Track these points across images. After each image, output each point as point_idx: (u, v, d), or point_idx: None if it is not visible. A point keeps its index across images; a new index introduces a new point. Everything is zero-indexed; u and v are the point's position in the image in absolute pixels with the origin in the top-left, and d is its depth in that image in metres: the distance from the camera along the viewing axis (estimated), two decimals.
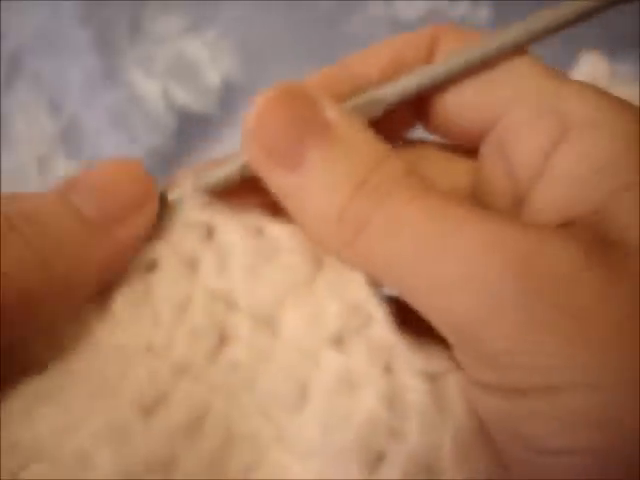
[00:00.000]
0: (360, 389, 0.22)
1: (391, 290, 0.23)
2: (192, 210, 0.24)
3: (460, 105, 0.26)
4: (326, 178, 0.23)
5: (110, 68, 0.53)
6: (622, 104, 0.24)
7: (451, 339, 0.22)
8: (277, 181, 0.23)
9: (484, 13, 0.52)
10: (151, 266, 0.24)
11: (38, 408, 0.22)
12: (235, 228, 0.24)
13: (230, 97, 0.52)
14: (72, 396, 0.22)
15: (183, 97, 0.52)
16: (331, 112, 0.23)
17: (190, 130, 0.52)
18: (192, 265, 0.24)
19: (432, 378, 0.22)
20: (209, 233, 0.24)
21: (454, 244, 0.21)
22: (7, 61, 0.55)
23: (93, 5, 0.54)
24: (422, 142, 0.28)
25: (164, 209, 0.25)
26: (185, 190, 0.25)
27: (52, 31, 0.55)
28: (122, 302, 0.23)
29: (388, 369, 0.22)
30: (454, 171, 0.27)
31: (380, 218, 0.22)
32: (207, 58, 0.52)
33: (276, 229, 0.24)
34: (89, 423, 0.21)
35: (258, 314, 0.23)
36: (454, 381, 0.22)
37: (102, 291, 0.24)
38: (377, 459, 0.21)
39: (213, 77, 0.52)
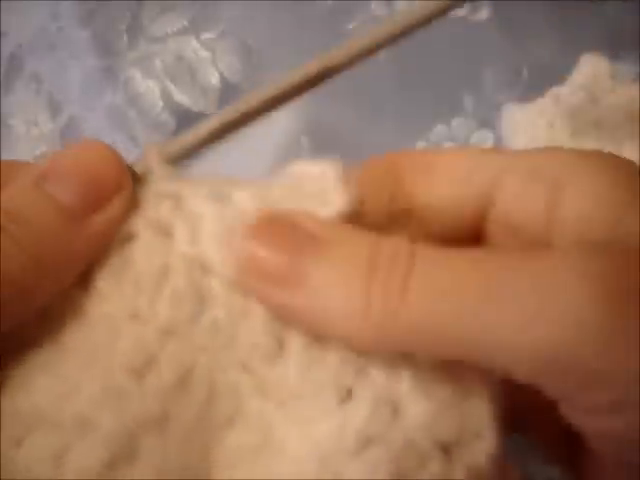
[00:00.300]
0: (329, 341, 0.24)
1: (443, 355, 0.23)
2: (161, 181, 0.25)
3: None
4: (336, 282, 0.22)
5: (110, 68, 0.53)
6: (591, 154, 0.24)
7: (541, 381, 0.21)
8: (285, 303, 0.23)
9: (484, 13, 0.52)
10: (128, 238, 0.25)
11: (35, 379, 0.23)
12: (202, 197, 0.25)
13: (230, 97, 0.52)
14: (66, 366, 0.23)
15: (182, 97, 0.52)
16: (310, 223, 0.23)
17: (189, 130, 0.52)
18: (167, 234, 0.25)
19: None
20: (179, 202, 0.25)
21: (516, 285, 0.21)
22: (7, 61, 0.55)
23: (93, 5, 0.54)
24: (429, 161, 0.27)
25: (134, 182, 0.25)
26: (151, 162, 0.25)
27: (52, 31, 0.55)
28: (104, 275, 0.24)
29: None
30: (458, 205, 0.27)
31: (416, 289, 0.21)
32: (207, 58, 0.52)
33: (240, 196, 0.25)
34: (85, 389, 0.23)
35: (231, 277, 0.24)
36: None
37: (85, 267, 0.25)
38: (347, 394, 0.23)
39: (212, 77, 0.52)
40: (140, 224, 0.25)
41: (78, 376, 0.23)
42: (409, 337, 0.22)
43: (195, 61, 0.52)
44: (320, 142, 0.48)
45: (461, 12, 0.54)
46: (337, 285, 0.22)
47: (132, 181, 0.25)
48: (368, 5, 0.53)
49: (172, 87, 0.52)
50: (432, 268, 0.22)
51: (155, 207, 0.25)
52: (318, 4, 0.53)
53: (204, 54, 0.52)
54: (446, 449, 0.23)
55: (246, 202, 0.25)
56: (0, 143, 0.54)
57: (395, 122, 0.50)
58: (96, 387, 0.23)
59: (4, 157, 0.53)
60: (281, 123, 0.47)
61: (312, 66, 0.27)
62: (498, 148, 0.25)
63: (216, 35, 0.53)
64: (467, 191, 0.25)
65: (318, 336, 0.24)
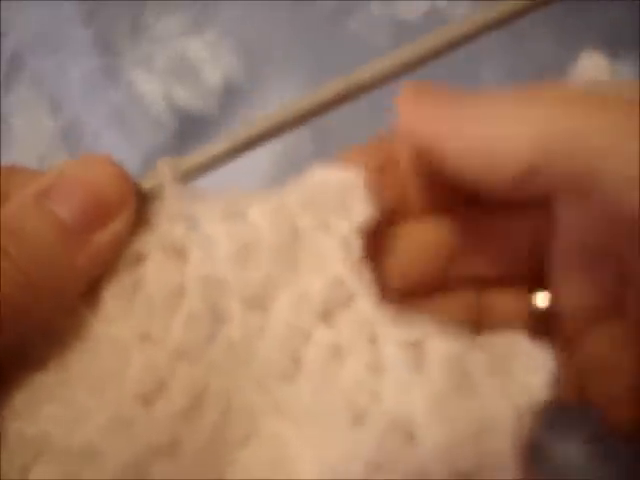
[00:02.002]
0: (347, 358, 0.24)
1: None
2: (174, 201, 0.25)
3: None
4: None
5: (110, 68, 0.53)
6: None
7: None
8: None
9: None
10: (138, 259, 0.24)
11: (41, 404, 0.23)
12: (217, 216, 0.24)
13: (230, 97, 0.52)
14: (73, 391, 0.23)
15: (183, 97, 0.52)
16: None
17: (190, 130, 0.52)
18: (180, 255, 0.24)
19: (412, 346, 0.24)
20: (193, 223, 0.25)
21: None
22: (7, 61, 0.55)
23: (93, 5, 0.54)
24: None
25: (142, 200, 0.25)
26: (164, 179, 0.25)
27: (52, 31, 0.55)
28: (113, 296, 0.24)
29: (372, 340, 0.24)
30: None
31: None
32: (207, 58, 0.52)
33: (255, 212, 0.24)
34: (94, 418, 0.22)
35: (248, 296, 0.24)
36: (434, 346, 0.24)
37: (92, 287, 0.24)
38: (359, 417, 0.23)
39: (213, 77, 0.52)
40: (152, 245, 0.24)
41: (86, 403, 0.23)
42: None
43: (196, 61, 0.52)
44: (324, 143, 0.48)
45: (459, 11, 0.54)
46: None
47: (140, 198, 0.24)
48: (368, 5, 0.53)
49: (173, 87, 0.52)
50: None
51: (168, 228, 0.25)
52: (318, 4, 0.53)
53: (205, 54, 0.52)
54: (463, 475, 0.22)
55: (261, 219, 0.24)
56: (0, 143, 0.54)
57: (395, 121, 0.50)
58: (105, 416, 0.22)
59: (4, 157, 0.53)
60: None
61: (336, 85, 0.26)
62: None
63: (217, 35, 0.53)
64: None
65: (335, 356, 0.23)
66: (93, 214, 0.23)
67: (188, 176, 0.25)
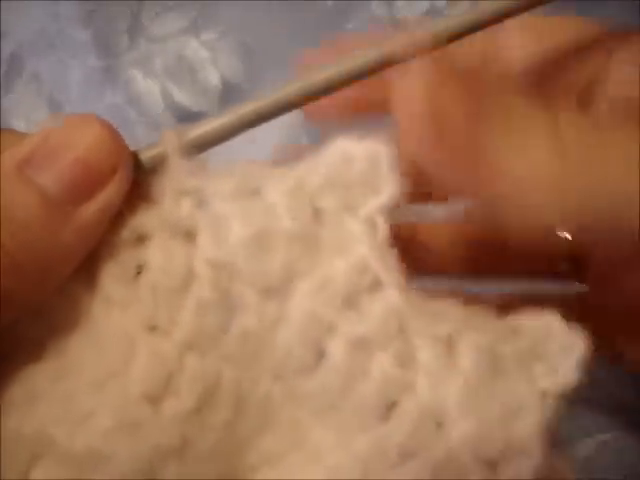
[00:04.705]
0: (375, 349, 0.22)
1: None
2: (180, 175, 0.22)
3: None
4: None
5: (110, 68, 0.53)
6: None
7: None
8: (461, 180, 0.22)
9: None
10: (141, 239, 0.22)
11: (41, 398, 0.21)
12: (229, 193, 0.22)
13: (230, 97, 0.52)
14: (73, 386, 0.21)
15: (183, 97, 0.52)
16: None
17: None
18: (187, 236, 0.22)
19: (442, 339, 0.22)
20: (201, 201, 0.22)
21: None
22: (7, 61, 0.55)
23: (93, 5, 0.54)
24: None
25: (143, 173, 0.22)
26: (170, 151, 0.22)
27: (52, 31, 0.55)
28: (114, 281, 0.22)
29: (401, 330, 0.22)
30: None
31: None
32: (207, 58, 0.52)
33: (272, 190, 0.22)
34: (98, 419, 0.21)
35: (265, 284, 0.22)
36: (464, 339, 0.22)
37: (90, 269, 0.22)
38: (390, 408, 0.22)
39: (213, 77, 0.52)
40: (155, 224, 0.22)
41: (90, 401, 0.21)
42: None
43: (195, 61, 0.52)
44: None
45: (459, 10, 0.54)
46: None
47: (141, 170, 0.22)
48: (368, 5, 0.52)
49: (172, 87, 0.52)
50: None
51: (174, 205, 0.22)
52: (318, 4, 0.53)
53: (204, 54, 0.52)
54: (490, 464, 0.22)
55: (279, 199, 0.22)
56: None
57: None
58: (109, 417, 0.21)
59: None
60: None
61: (347, 62, 0.23)
62: None
63: (216, 35, 0.52)
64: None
65: (362, 347, 0.22)
66: (79, 183, 0.21)
67: (195, 148, 0.23)
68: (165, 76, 0.52)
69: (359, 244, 0.22)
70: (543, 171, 0.21)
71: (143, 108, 0.52)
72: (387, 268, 0.22)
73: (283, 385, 0.22)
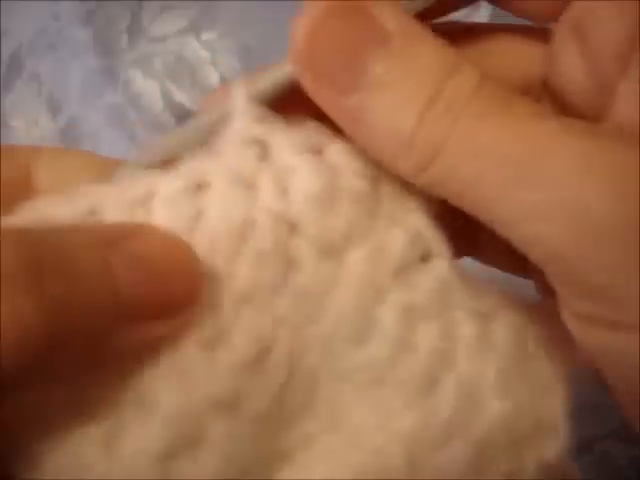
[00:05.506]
0: (422, 322, 0.22)
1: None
2: (245, 125, 0.21)
3: None
4: (391, 97, 0.20)
5: (110, 68, 0.53)
6: None
7: (544, 268, 0.20)
8: (336, 105, 0.21)
9: (484, 13, 0.52)
10: (200, 186, 0.21)
11: None
12: (294, 148, 0.21)
13: None
14: None
15: (182, 97, 0.52)
16: (391, 22, 0.20)
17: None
18: (249, 186, 0.21)
19: (482, 315, 0.22)
20: (266, 151, 0.21)
21: (547, 166, 0.19)
22: (7, 61, 0.55)
23: (93, 5, 0.54)
24: (484, 26, 0.25)
25: (211, 119, 0.22)
26: (237, 99, 0.22)
27: (52, 31, 0.55)
28: (170, 224, 0.21)
29: (446, 304, 0.22)
30: (525, 59, 0.25)
31: (457, 140, 0.20)
32: (206, 58, 0.52)
33: (336, 150, 0.22)
34: (152, 364, 0.20)
35: (323, 243, 0.21)
36: (501, 318, 0.23)
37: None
38: (433, 385, 0.22)
39: (212, 77, 0.52)
40: (217, 171, 0.21)
41: None
42: (437, 182, 0.20)
43: (195, 61, 0.52)
44: None
45: (461, 12, 0.54)
46: (391, 104, 0.20)
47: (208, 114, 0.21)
48: None
49: (172, 87, 0.52)
50: (480, 127, 0.19)
51: (237, 154, 0.21)
52: None
53: (204, 54, 0.52)
54: (520, 444, 0.22)
55: (343, 160, 0.21)
56: (0, 143, 0.53)
57: None
58: (163, 361, 0.20)
59: None
60: None
61: None
62: None
63: (216, 35, 0.52)
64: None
65: (409, 319, 0.22)
66: (153, 300, 0.19)
67: (264, 97, 0.22)
68: (165, 76, 0.52)
69: (414, 215, 0.22)
70: (400, 124, 0.20)
71: (143, 108, 0.52)
72: (438, 240, 0.22)
73: (331, 359, 0.21)
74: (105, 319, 0.19)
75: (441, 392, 0.22)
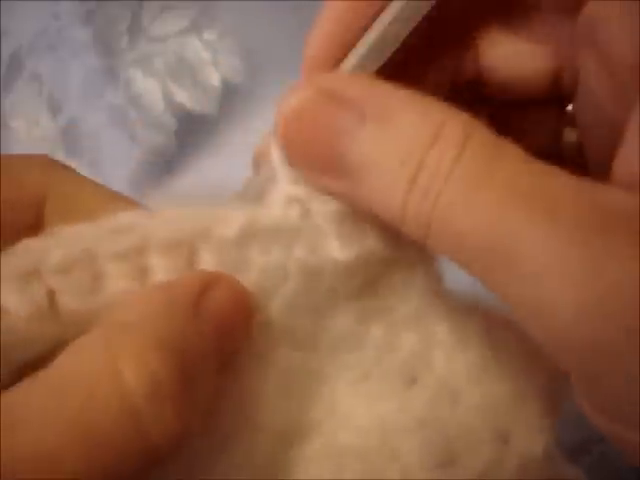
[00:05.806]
0: (404, 332, 0.25)
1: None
2: (288, 184, 0.24)
3: None
4: (375, 181, 0.21)
5: (110, 68, 0.53)
6: None
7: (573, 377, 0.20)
8: (330, 189, 0.22)
9: None
10: (246, 237, 0.23)
11: None
12: (329, 211, 0.23)
13: (230, 97, 0.52)
14: None
15: (183, 97, 0.52)
16: (364, 99, 0.21)
17: (190, 130, 0.52)
18: (289, 239, 0.24)
19: (456, 320, 0.25)
20: (305, 210, 0.24)
21: (521, 262, 0.19)
22: (7, 61, 0.55)
23: (93, 5, 0.54)
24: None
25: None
26: (277, 161, 0.24)
27: (52, 31, 0.55)
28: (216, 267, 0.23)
29: (421, 316, 0.25)
30: (535, 54, 0.25)
31: (437, 227, 0.20)
32: (207, 58, 0.52)
33: (363, 216, 0.23)
34: None
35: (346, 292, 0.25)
36: (474, 320, 0.25)
37: None
38: (412, 381, 0.25)
39: (213, 77, 0.52)
40: (262, 226, 0.23)
41: None
42: (436, 242, 0.20)
43: (196, 61, 0.52)
44: None
45: None
46: (377, 184, 0.20)
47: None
48: None
49: (173, 87, 0.52)
50: (454, 208, 0.19)
51: (280, 210, 0.24)
52: (318, 4, 0.52)
53: (205, 54, 0.52)
54: (504, 438, 0.24)
55: (367, 224, 0.24)
56: (0, 143, 0.54)
57: None
58: None
59: None
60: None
61: None
62: None
63: (217, 35, 0.53)
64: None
65: (395, 325, 0.25)
66: (222, 351, 0.22)
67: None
68: (165, 76, 0.52)
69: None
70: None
71: (143, 108, 0.52)
72: (418, 252, 0.25)
73: (333, 362, 0.25)
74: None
75: (419, 387, 0.25)
